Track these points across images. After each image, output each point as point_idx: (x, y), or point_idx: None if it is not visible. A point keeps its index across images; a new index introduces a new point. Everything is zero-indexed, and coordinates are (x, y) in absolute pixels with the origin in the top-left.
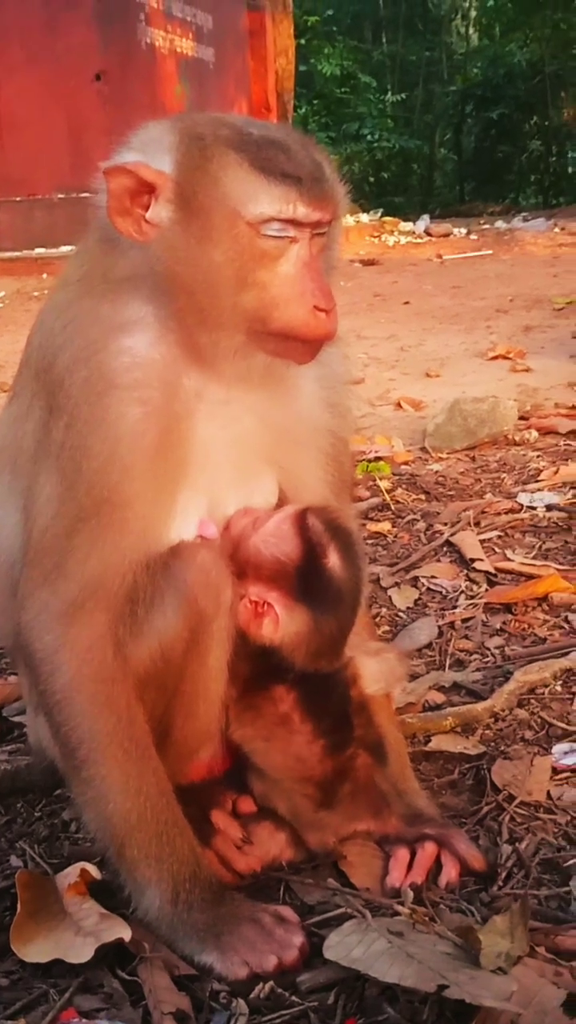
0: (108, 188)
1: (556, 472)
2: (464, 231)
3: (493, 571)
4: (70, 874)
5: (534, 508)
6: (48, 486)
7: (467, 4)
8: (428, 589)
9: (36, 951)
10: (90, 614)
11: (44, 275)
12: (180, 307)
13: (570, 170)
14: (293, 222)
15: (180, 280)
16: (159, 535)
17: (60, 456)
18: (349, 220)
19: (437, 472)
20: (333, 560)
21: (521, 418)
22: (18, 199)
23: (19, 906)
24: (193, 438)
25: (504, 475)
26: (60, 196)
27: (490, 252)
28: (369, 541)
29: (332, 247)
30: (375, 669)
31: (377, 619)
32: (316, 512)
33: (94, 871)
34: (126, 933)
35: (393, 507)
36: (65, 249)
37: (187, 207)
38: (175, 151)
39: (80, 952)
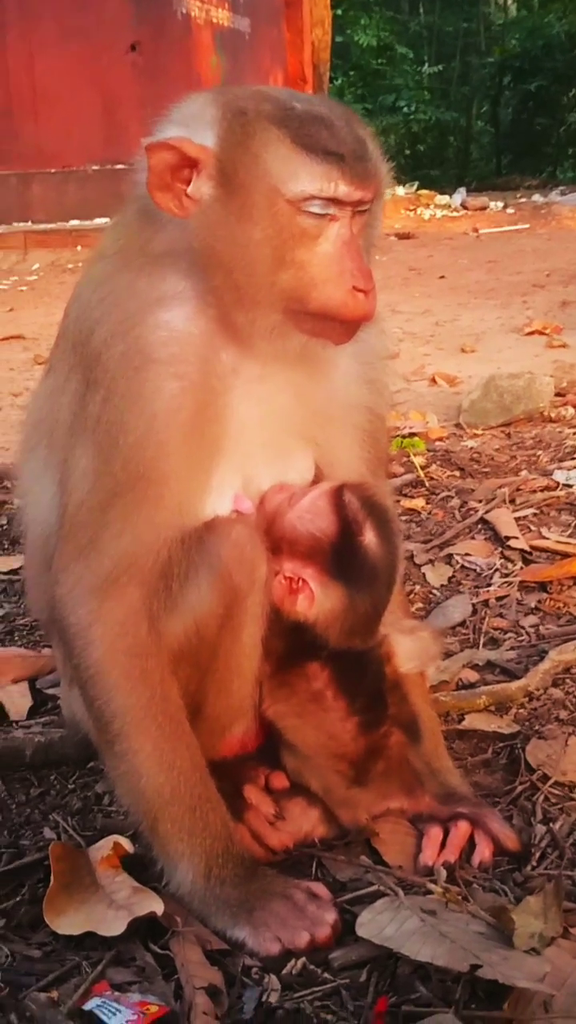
0: (149, 163)
1: None
2: (500, 205)
3: (528, 549)
4: (103, 847)
5: (570, 486)
6: (84, 460)
7: None
8: (462, 567)
9: (69, 923)
10: (124, 589)
11: (78, 247)
12: (217, 284)
13: None
14: (334, 200)
15: (218, 257)
16: (194, 510)
17: (96, 430)
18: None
19: (472, 449)
20: (369, 537)
21: (557, 394)
22: (52, 171)
23: (52, 878)
24: (229, 414)
25: (540, 452)
26: (94, 168)
27: (527, 226)
28: (403, 518)
29: (374, 225)
30: (409, 647)
31: (411, 596)
32: (352, 488)
33: (127, 844)
34: (159, 907)
35: (427, 484)
36: (99, 221)
37: (228, 183)
38: (217, 126)
39: (113, 925)
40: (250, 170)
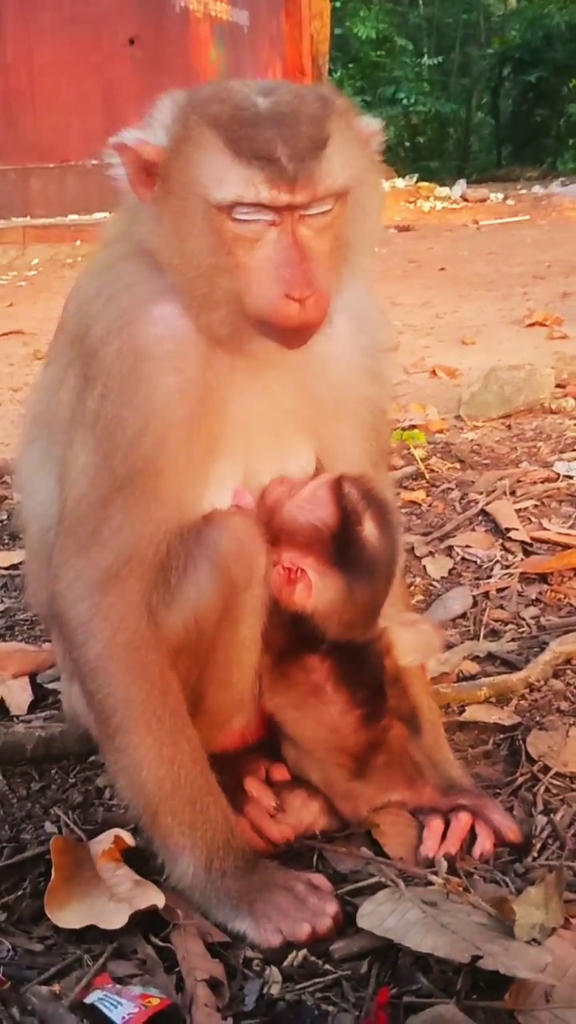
0: (123, 161)
1: None
2: (501, 196)
3: (529, 541)
4: (104, 840)
5: (571, 477)
6: (83, 455)
7: None
8: (463, 559)
9: (70, 917)
10: (124, 583)
11: (77, 242)
12: (177, 282)
13: None
14: (265, 206)
15: (167, 258)
16: (193, 504)
17: (95, 426)
18: (384, 185)
19: (472, 440)
20: (368, 528)
21: (558, 386)
22: (51, 166)
23: (53, 872)
24: (228, 408)
25: (540, 444)
26: (93, 163)
27: (527, 217)
28: (403, 510)
29: (345, 225)
30: (410, 640)
31: (411, 588)
32: (352, 480)
33: (128, 838)
34: (160, 900)
35: (428, 476)
36: (98, 216)
37: (169, 187)
38: (170, 128)
39: (114, 918)
40: (184, 174)
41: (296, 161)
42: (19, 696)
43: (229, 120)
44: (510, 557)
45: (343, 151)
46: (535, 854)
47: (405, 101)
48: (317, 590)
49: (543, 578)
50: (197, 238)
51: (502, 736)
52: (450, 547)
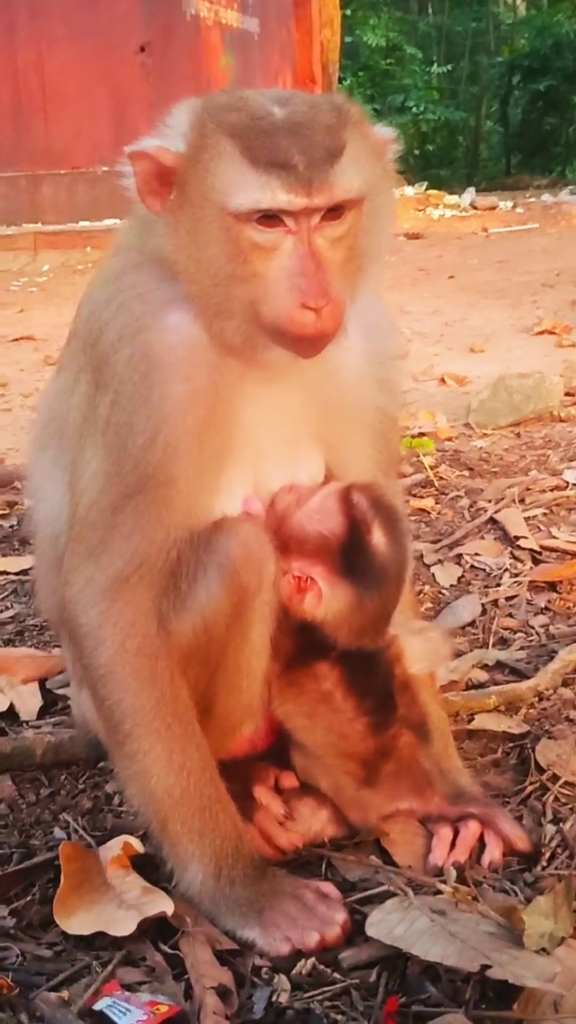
0: (135, 170)
1: None
2: (510, 204)
3: (538, 549)
4: (113, 847)
5: None
6: (94, 461)
7: None
8: (472, 567)
9: (79, 923)
10: (134, 589)
11: (88, 248)
12: (192, 291)
13: None
14: (282, 212)
15: (183, 266)
16: (204, 511)
17: (106, 432)
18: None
19: (481, 448)
20: (378, 537)
21: (567, 394)
22: (62, 172)
23: (62, 878)
24: (239, 415)
25: (549, 452)
26: (104, 169)
27: (536, 226)
28: (412, 518)
29: (359, 234)
30: (419, 648)
31: (420, 596)
32: (362, 489)
33: (137, 844)
34: (168, 907)
35: (437, 483)
36: (109, 222)
37: (186, 194)
38: (187, 136)
39: (123, 925)
40: (202, 182)
41: (312, 168)
42: (29, 702)
43: (246, 129)
44: (519, 565)
45: (358, 159)
46: (544, 863)
47: (414, 109)
48: (327, 599)
49: (552, 586)
50: (213, 247)
51: (511, 745)
52: (459, 555)
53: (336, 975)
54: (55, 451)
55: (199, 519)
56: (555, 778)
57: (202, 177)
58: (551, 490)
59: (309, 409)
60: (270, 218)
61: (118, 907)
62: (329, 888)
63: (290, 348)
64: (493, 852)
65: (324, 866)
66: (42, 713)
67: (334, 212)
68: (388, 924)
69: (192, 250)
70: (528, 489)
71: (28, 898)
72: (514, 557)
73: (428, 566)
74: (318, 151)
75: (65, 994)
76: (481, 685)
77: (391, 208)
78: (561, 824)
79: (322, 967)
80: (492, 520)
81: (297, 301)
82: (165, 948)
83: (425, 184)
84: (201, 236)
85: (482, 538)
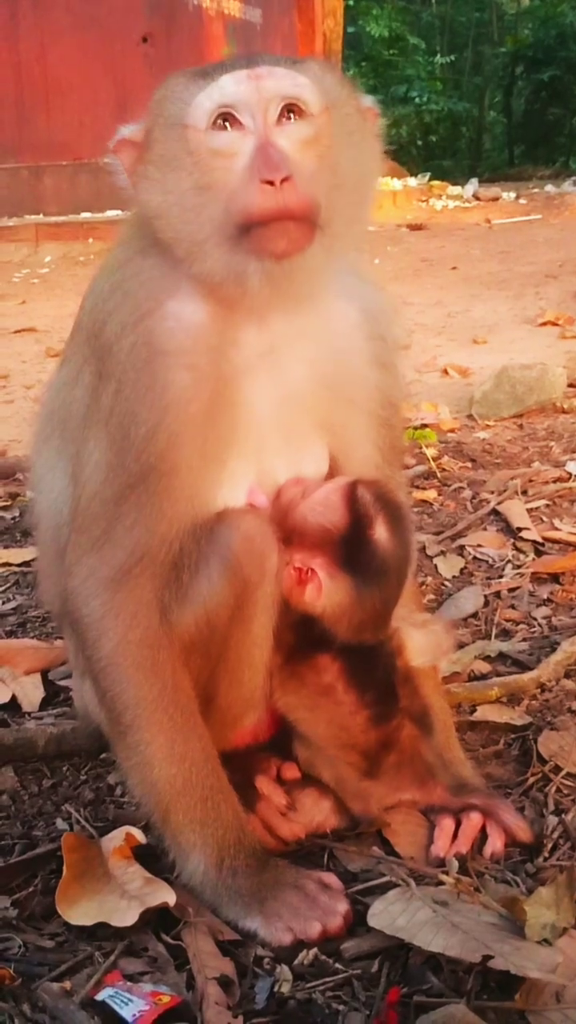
0: (120, 161)
1: None
2: (513, 195)
3: (540, 540)
4: (115, 838)
5: None
6: (97, 452)
7: None
8: (474, 558)
9: (81, 914)
10: (136, 580)
11: (90, 240)
12: (169, 241)
13: None
14: (231, 107)
15: (162, 213)
16: (207, 502)
17: (109, 422)
18: (396, 184)
19: (484, 440)
20: (380, 532)
21: (570, 386)
22: (64, 163)
23: (65, 869)
24: (242, 403)
25: (552, 443)
26: (106, 160)
27: (539, 217)
28: (415, 509)
29: (331, 146)
30: (421, 641)
31: (423, 588)
32: (366, 484)
33: (139, 835)
34: (170, 897)
35: (439, 475)
36: (111, 213)
37: (153, 146)
38: (151, 107)
39: (125, 916)
40: (162, 122)
41: (260, 63)
42: (31, 693)
43: (199, 69)
44: (522, 557)
45: (320, 76)
46: (546, 854)
47: (417, 100)
48: (327, 591)
49: (555, 578)
50: (180, 170)
51: (513, 736)
52: (461, 547)
53: (338, 966)
54: (58, 442)
55: (202, 510)
56: (557, 769)
57: (162, 116)
58: (554, 481)
59: (313, 394)
60: (227, 124)
61: (120, 898)
62: (331, 879)
63: (263, 246)
64: (495, 843)
65: (326, 857)
66: (44, 704)
67: (294, 112)
68: (390, 915)
69: (163, 186)
70: (531, 481)
71: (30, 889)
72: (516, 548)
73: (430, 557)
74: (258, 56)
75: (67, 984)
76: (483, 676)
77: (370, 156)
78: (563, 815)
79: (324, 958)
80: (495, 511)
81: (256, 180)
82: (167, 938)
83: (428, 175)
84: (167, 165)
85: (485, 529)
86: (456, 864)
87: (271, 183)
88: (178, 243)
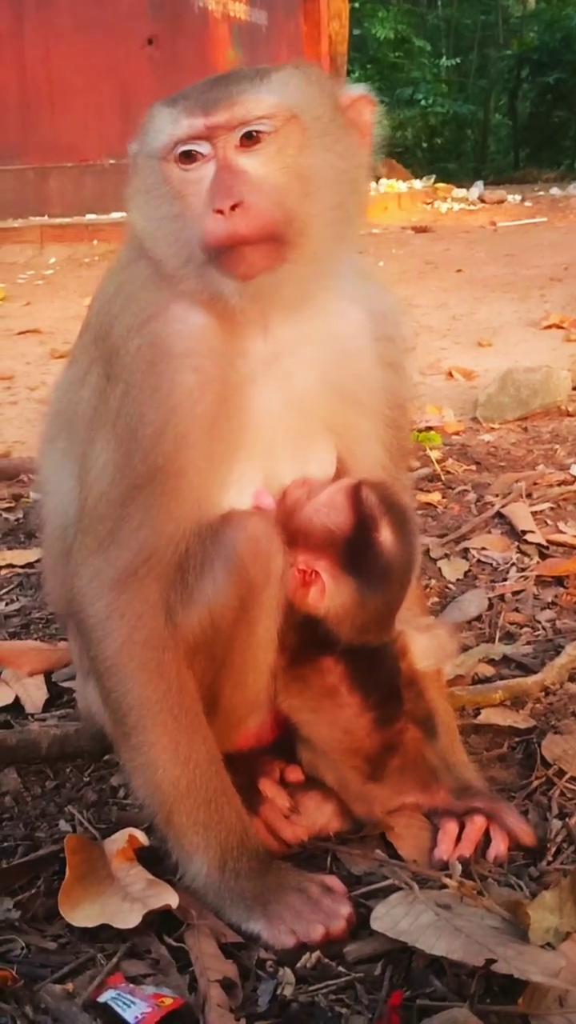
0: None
1: None
2: (518, 198)
3: (545, 543)
4: (118, 840)
5: None
6: (104, 453)
7: None
8: (478, 561)
9: (84, 916)
10: (142, 581)
11: (95, 241)
12: (159, 258)
13: None
14: (191, 139)
15: (150, 240)
16: (213, 504)
17: (116, 424)
18: (401, 187)
19: (488, 443)
20: (384, 535)
21: (575, 388)
22: (69, 165)
23: (67, 871)
24: (249, 404)
25: (557, 446)
26: (111, 162)
27: (544, 219)
28: (419, 512)
29: (300, 152)
30: (425, 645)
31: (427, 591)
32: (372, 486)
33: (142, 837)
34: (173, 900)
35: (443, 478)
36: (116, 215)
37: (136, 171)
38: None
39: (127, 918)
40: (142, 150)
41: (213, 91)
42: (34, 694)
43: (173, 97)
44: (526, 560)
45: (283, 85)
46: (550, 858)
47: (423, 102)
48: (330, 593)
49: (559, 581)
50: (155, 196)
51: (517, 739)
52: (466, 549)
53: (341, 969)
54: (65, 443)
55: (208, 512)
56: (561, 773)
57: (143, 147)
58: (558, 484)
59: (320, 397)
60: (191, 155)
61: (123, 899)
62: (334, 882)
63: (224, 269)
64: (498, 846)
65: (329, 860)
66: (47, 706)
67: (257, 131)
68: (393, 918)
69: (144, 213)
70: (535, 483)
71: (33, 890)
72: (521, 551)
73: (435, 560)
74: (220, 81)
75: (70, 986)
76: (487, 680)
77: (352, 151)
78: (567, 819)
79: (327, 960)
80: (499, 514)
81: (210, 208)
82: (170, 941)
83: (433, 177)
84: (148, 194)
85: (489, 532)
86: (459, 867)
87: (221, 212)
88: (165, 263)
